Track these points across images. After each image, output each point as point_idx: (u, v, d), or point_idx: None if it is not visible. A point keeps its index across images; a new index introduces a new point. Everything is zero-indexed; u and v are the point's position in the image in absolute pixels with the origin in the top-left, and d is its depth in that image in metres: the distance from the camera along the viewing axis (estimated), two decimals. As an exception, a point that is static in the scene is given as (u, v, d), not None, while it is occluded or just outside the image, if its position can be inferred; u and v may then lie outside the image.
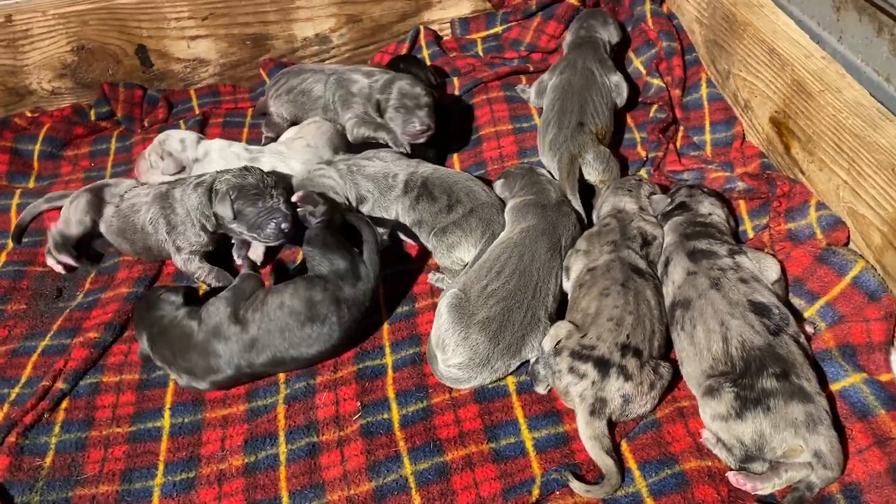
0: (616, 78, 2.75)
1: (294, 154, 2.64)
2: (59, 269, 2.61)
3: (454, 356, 2.02)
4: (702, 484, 1.74)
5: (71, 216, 2.54)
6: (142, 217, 2.48)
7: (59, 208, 2.66)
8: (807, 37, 2.33)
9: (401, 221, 2.46)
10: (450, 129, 2.90)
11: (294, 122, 2.98)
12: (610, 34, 2.89)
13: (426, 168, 2.47)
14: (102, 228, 2.57)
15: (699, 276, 1.97)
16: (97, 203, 2.54)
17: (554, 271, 2.15)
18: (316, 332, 2.09)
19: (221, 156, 2.64)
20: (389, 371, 2.14)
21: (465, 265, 2.29)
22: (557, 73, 2.76)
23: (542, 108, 2.79)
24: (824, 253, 2.00)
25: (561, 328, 1.97)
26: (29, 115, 3.30)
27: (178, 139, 2.68)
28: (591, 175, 2.52)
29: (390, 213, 2.47)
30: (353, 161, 2.52)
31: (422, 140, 2.66)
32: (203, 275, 2.47)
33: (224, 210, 2.31)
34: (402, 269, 2.48)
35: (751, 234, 2.30)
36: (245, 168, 2.37)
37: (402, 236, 2.53)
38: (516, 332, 2.03)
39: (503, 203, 2.40)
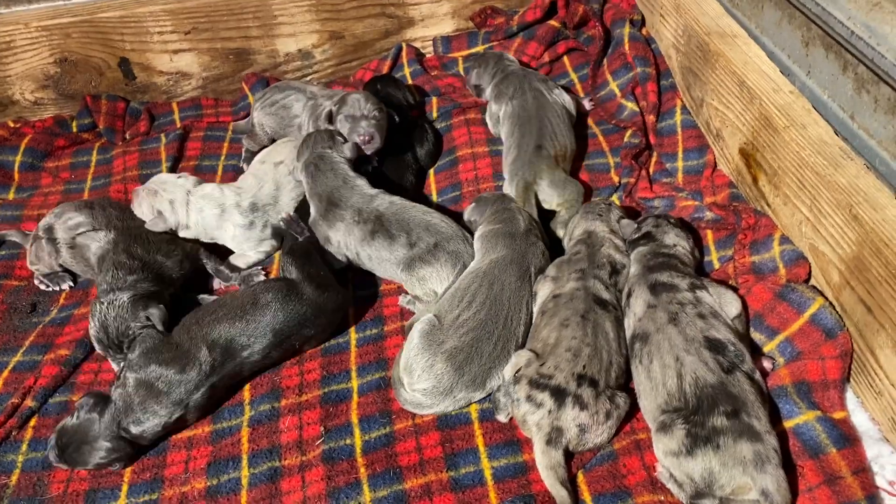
0: (563, 94, 2.84)
1: (282, 196, 2.67)
2: (39, 284, 2.64)
3: (419, 381, 2.05)
4: (653, 519, 1.77)
5: (42, 262, 2.58)
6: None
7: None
8: (776, 70, 2.35)
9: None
10: (427, 149, 2.92)
11: (274, 138, 3.01)
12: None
13: (380, 201, 2.45)
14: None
15: (658, 309, 1.99)
16: (53, 248, 2.55)
17: (524, 300, 2.17)
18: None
19: (219, 227, 2.60)
20: (354, 395, 2.16)
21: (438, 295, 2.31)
22: (507, 101, 2.80)
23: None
24: (784, 290, 2.03)
25: (521, 356, 2.00)
26: (11, 125, 3.32)
27: (168, 200, 2.54)
28: (549, 201, 2.53)
29: (334, 233, 2.46)
30: (316, 160, 2.54)
31: (369, 151, 2.67)
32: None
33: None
34: (373, 292, 2.50)
35: (716, 265, 2.33)
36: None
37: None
38: (483, 364, 2.05)
39: (469, 231, 2.41)
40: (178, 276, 2.45)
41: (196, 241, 2.59)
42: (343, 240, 2.45)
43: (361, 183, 2.51)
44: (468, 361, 2.04)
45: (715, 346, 1.87)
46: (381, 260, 2.41)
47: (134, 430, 2.03)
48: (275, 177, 2.69)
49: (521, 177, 2.54)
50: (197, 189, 2.60)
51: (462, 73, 3.34)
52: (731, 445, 1.69)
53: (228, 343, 2.13)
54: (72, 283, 2.64)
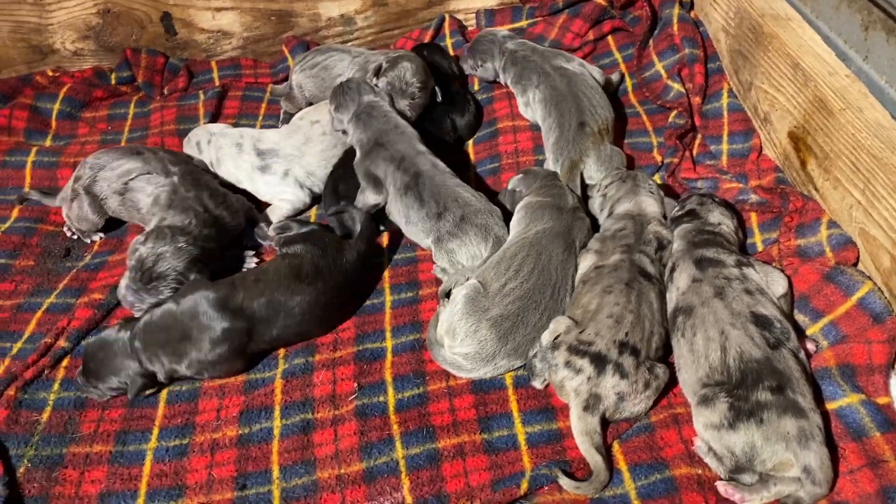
0: (586, 64, 2.83)
1: (309, 150, 2.66)
2: (69, 234, 2.63)
3: (462, 346, 2.03)
4: (690, 491, 1.74)
5: (81, 219, 2.56)
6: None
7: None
8: (832, 54, 2.31)
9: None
10: (467, 120, 2.89)
11: (311, 101, 2.99)
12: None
13: (423, 161, 2.43)
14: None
15: (704, 283, 1.97)
16: (96, 203, 2.53)
17: (569, 273, 2.15)
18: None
19: (234, 163, 2.65)
20: (388, 355, 2.15)
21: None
22: (533, 89, 2.76)
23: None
24: (832, 271, 2.00)
25: (560, 323, 1.98)
26: (50, 73, 3.33)
27: (194, 143, 2.73)
28: (595, 177, 2.51)
29: (377, 167, 2.44)
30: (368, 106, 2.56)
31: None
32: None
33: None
34: (409, 256, 2.48)
35: (760, 248, 2.30)
36: None
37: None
38: (528, 333, 2.03)
39: (501, 206, 2.39)
40: (234, 234, 2.46)
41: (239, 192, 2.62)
42: (388, 181, 2.43)
43: (412, 133, 2.50)
44: (513, 330, 2.02)
45: (761, 321, 1.84)
46: (409, 220, 2.38)
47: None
48: (308, 132, 2.68)
49: (567, 156, 2.51)
50: (220, 129, 2.72)
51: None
52: (775, 420, 1.67)
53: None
54: (102, 235, 2.63)
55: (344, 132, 2.59)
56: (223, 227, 2.42)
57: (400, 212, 2.41)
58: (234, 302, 2.07)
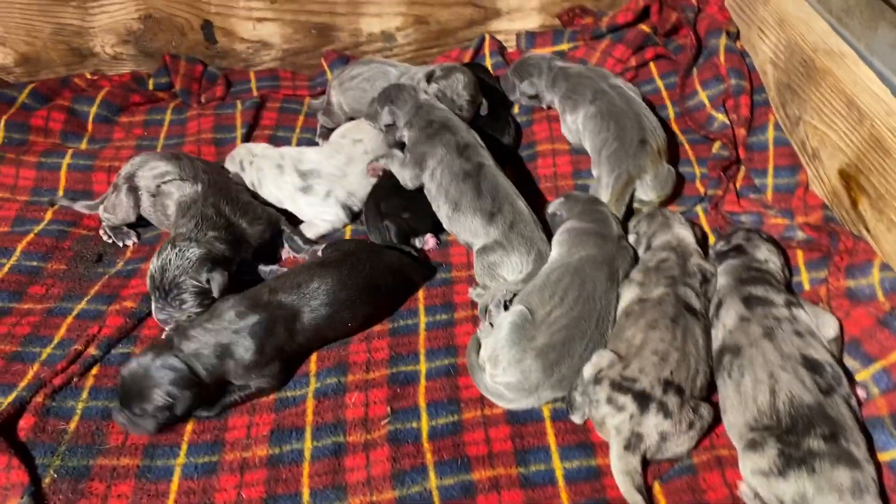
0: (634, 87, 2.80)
1: (352, 170, 2.64)
2: (105, 237, 2.61)
3: (504, 375, 1.98)
4: (735, 538, 1.68)
5: (116, 206, 2.55)
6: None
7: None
8: (888, 92, 2.25)
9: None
10: (507, 141, 2.86)
11: (351, 116, 2.97)
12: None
13: (487, 157, 2.42)
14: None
15: (752, 323, 1.91)
16: (134, 197, 2.53)
17: (612, 303, 2.10)
18: None
19: (276, 184, 2.63)
20: (422, 379, 2.10)
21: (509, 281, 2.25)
22: (586, 105, 2.71)
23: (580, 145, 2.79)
24: (887, 317, 1.93)
25: (603, 357, 1.93)
26: (89, 76, 3.33)
27: (237, 161, 2.70)
28: (645, 197, 2.48)
29: (432, 156, 2.42)
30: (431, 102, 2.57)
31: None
32: None
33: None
34: (445, 278, 2.44)
35: (806, 287, 2.24)
36: None
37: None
38: (573, 365, 1.98)
39: (545, 225, 2.35)
40: (255, 243, 2.43)
41: (276, 209, 2.59)
42: (436, 166, 2.40)
43: (475, 133, 2.49)
44: (559, 361, 1.97)
45: (813, 365, 1.79)
46: (459, 208, 2.35)
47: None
48: (350, 151, 2.65)
49: (625, 169, 2.46)
50: (260, 151, 2.69)
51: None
52: (828, 470, 1.61)
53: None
54: (136, 240, 2.61)
55: (388, 129, 2.56)
56: (238, 232, 2.37)
57: (449, 197, 2.37)
58: (262, 299, 2.07)
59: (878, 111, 2.18)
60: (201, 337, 1.99)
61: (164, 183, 2.46)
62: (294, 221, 2.62)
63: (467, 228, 2.36)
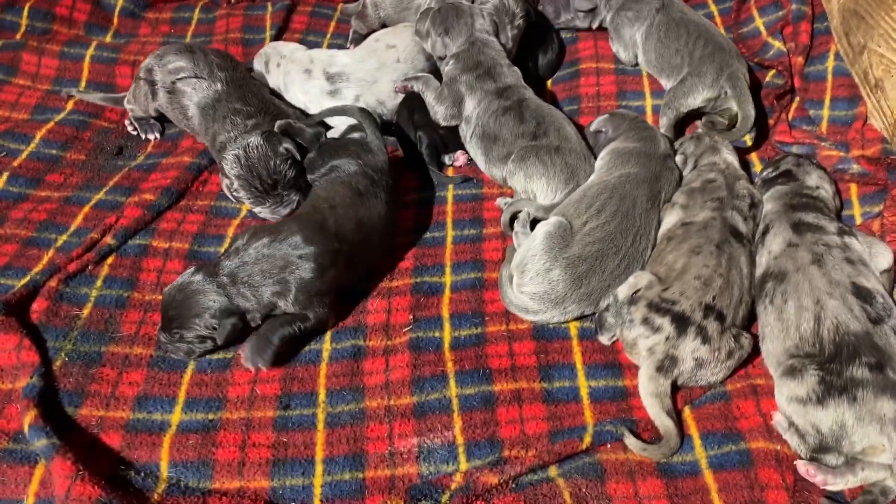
0: None
1: (383, 77, 2.50)
2: (131, 130, 2.54)
3: (531, 284, 1.90)
4: (767, 466, 1.61)
5: (136, 98, 2.48)
6: None
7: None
8: (966, 17, 2.09)
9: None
10: (549, 59, 2.72)
11: (385, 22, 2.83)
12: None
13: (529, 93, 2.31)
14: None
15: (801, 248, 1.80)
16: (151, 90, 2.43)
17: (653, 223, 2.00)
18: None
19: (302, 89, 2.51)
20: (447, 290, 2.02)
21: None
22: (653, 13, 2.57)
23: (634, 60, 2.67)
24: (945, 251, 1.82)
25: (641, 277, 1.83)
26: (117, -32, 3.19)
27: (263, 62, 2.59)
28: (730, 108, 2.37)
29: (471, 98, 2.32)
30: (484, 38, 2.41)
31: None
32: None
33: None
34: (475, 193, 2.34)
35: (858, 221, 2.12)
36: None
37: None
38: (603, 280, 1.89)
39: (591, 151, 2.23)
40: (293, 118, 2.34)
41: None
42: (474, 106, 2.30)
43: (518, 72, 2.37)
44: (589, 273, 1.88)
45: (863, 293, 1.68)
46: (497, 140, 2.24)
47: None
48: (382, 57, 2.52)
49: (739, 70, 2.37)
50: (289, 52, 2.56)
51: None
52: (871, 400, 1.53)
53: None
54: (159, 135, 2.54)
55: (440, 58, 2.44)
56: (276, 111, 2.34)
57: (489, 132, 2.26)
58: (328, 227, 1.92)
59: (955, 36, 2.02)
60: (256, 265, 1.84)
61: (180, 80, 2.36)
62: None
63: (502, 161, 2.24)
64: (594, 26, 2.77)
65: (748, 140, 2.40)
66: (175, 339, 1.82)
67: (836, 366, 1.58)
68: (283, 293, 1.83)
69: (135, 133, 2.54)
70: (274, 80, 2.57)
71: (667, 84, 2.52)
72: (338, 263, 1.89)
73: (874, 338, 1.60)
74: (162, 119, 2.54)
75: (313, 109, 2.50)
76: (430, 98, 2.36)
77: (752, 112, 2.30)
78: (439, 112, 2.35)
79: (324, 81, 2.48)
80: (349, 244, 1.92)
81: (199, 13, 3.05)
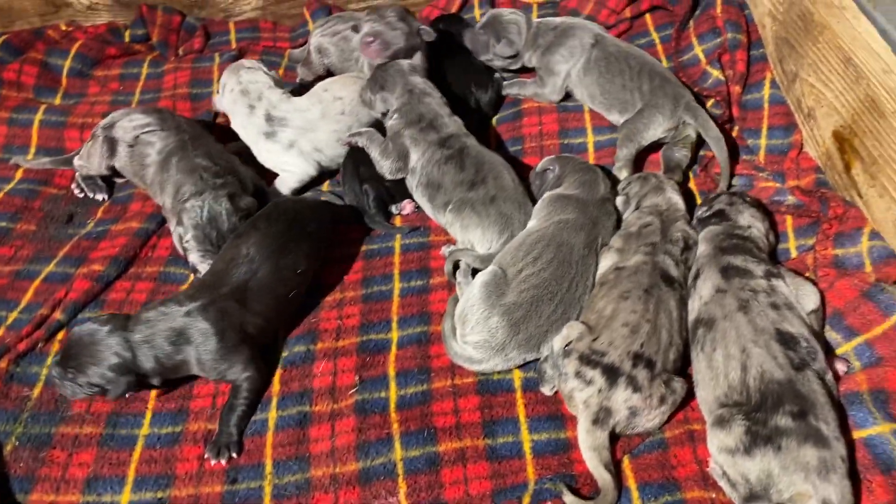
0: None
1: (323, 126, 2.53)
2: (78, 192, 2.57)
3: (472, 333, 1.94)
4: (702, 517, 1.64)
5: (90, 155, 2.49)
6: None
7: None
8: (889, 49, 2.13)
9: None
10: (490, 97, 2.75)
11: (330, 70, 2.87)
12: None
13: (471, 140, 2.35)
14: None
15: (728, 295, 1.84)
16: (110, 147, 2.46)
17: (590, 269, 2.04)
18: None
19: (241, 122, 2.54)
20: (393, 347, 2.05)
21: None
22: (588, 49, 2.61)
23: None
24: (872, 289, 1.86)
25: (573, 329, 1.87)
26: (63, 28, 3.23)
27: (222, 83, 2.60)
28: (690, 134, 2.43)
29: (415, 151, 2.34)
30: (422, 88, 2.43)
31: (371, 57, 2.52)
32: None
33: None
34: (422, 242, 2.37)
35: (794, 254, 2.16)
36: None
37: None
38: (541, 325, 1.93)
39: (529, 197, 2.27)
40: (251, 189, 2.38)
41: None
42: (418, 157, 2.33)
43: (459, 121, 2.41)
44: (525, 319, 1.92)
45: (786, 339, 1.72)
46: (440, 188, 2.27)
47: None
48: (327, 107, 2.55)
49: (678, 94, 2.44)
50: (245, 82, 2.56)
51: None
52: (795, 448, 1.56)
53: None
54: (106, 196, 2.57)
55: (383, 115, 2.46)
56: (237, 173, 2.39)
57: (433, 180, 2.29)
58: (206, 283, 2.00)
59: (876, 69, 2.07)
60: (156, 321, 1.89)
61: (144, 133, 2.40)
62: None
63: (442, 209, 2.28)
64: (515, 67, 2.79)
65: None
66: (67, 377, 1.85)
67: (761, 415, 1.61)
68: (183, 355, 1.89)
69: (81, 195, 2.56)
70: (225, 104, 2.59)
71: (618, 119, 2.55)
72: (228, 311, 1.93)
73: (797, 385, 1.64)
74: (110, 181, 2.57)
75: (250, 146, 2.55)
76: (375, 153, 2.38)
77: (718, 132, 2.36)
78: (385, 166, 2.37)
79: (263, 121, 2.51)
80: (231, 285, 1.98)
81: (147, 68, 3.07)
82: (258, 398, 1.95)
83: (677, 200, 2.17)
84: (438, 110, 2.39)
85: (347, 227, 2.39)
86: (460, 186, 2.24)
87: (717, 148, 2.36)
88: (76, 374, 1.83)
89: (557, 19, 2.75)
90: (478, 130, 2.66)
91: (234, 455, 1.83)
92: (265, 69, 2.61)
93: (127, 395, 1.92)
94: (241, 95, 2.54)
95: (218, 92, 2.63)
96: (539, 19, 2.77)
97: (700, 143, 2.46)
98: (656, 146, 2.49)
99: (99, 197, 2.55)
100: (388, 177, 2.39)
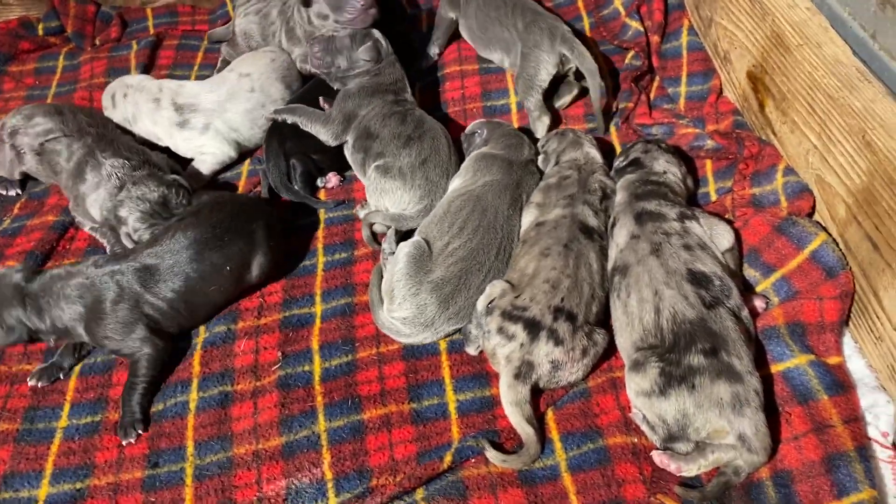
0: None
1: (233, 107, 2.49)
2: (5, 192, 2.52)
3: (400, 309, 1.91)
4: (624, 461, 1.64)
5: (2, 167, 2.45)
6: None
7: None
8: (793, -17, 2.12)
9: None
10: (414, 67, 2.72)
11: (255, 48, 2.81)
12: None
13: (419, 109, 2.35)
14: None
15: (641, 240, 1.83)
16: (16, 154, 2.41)
17: (515, 229, 2.03)
18: None
19: (151, 119, 2.49)
20: (317, 321, 2.03)
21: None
22: None
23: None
24: (784, 223, 1.86)
25: (496, 287, 1.85)
26: (-26, 25, 3.13)
27: (110, 96, 2.55)
28: (572, 64, 2.43)
29: (364, 108, 2.33)
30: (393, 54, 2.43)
31: (366, 23, 2.47)
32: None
33: None
34: (346, 214, 2.33)
35: (713, 197, 2.15)
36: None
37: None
38: (470, 297, 1.91)
39: (458, 165, 2.25)
40: (169, 172, 2.31)
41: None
42: (365, 113, 2.31)
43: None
44: (455, 294, 1.91)
45: (698, 279, 1.71)
46: (377, 139, 2.25)
47: None
48: (232, 87, 2.50)
49: (566, 30, 2.42)
50: (136, 83, 2.54)
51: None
52: (708, 386, 1.56)
53: None
54: (20, 191, 2.52)
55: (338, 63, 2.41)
56: (151, 161, 2.31)
57: (372, 131, 2.27)
58: (119, 256, 1.98)
59: (780, 4, 2.06)
60: (57, 278, 1.91)
61: (49, 141, 2.33)
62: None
63: (368, 166, 2.25)
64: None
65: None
66: None
67: (675, 355, 1.61)
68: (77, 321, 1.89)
69: (4, 193, 2.50)
70: (120, 114, 2.54)
71: (500, 59, 2.57)
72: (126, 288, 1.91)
73: (708, 323, 1.63)
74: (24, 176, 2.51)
75: (165, 140, 2.51)
76: (316, 125, 2.35)
77: (594, 65, 2.34)
78: (329, 132, 2.34)
79: (172, 112, 2.47)
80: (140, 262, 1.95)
81: (63, 60, 3.01)
82: (158, 374, 1.93)
83: (595, 154, 2.16)
84: (406, 82, 2.39)
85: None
86: (396, 140, 2.22)
87: (590, 80, 2.35)
88: None
89: None
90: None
91: (140, 432, 1.81)
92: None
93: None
94: (140, 93, 2.49)
95: (106, 108, 2.58)
96: None
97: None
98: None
99: (11, 193, 2.50)
100: (332, 143, 2.35)
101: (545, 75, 2.41)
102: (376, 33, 2.41)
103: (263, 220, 2.08)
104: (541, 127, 2.41)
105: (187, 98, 2.46)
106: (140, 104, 2.48)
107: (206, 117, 2.45)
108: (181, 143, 2.48)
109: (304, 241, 2.26)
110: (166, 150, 2.49)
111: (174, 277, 1.94)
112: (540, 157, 2.22)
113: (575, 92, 2.50)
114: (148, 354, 1.89)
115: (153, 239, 2.00)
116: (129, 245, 2.15)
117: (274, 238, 2.09)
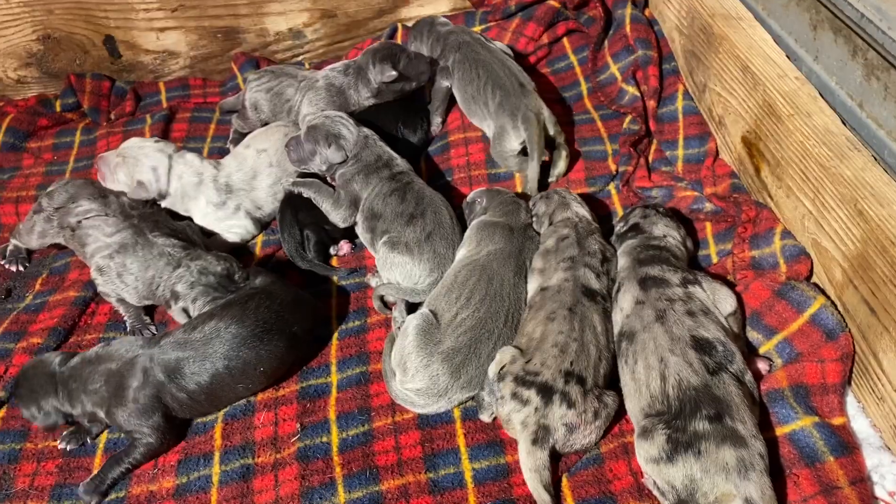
0: (495, 42, 2.89)
1: (259, 184, 2.59)
2: (13, 268, 2.57)
3: (413, 381, 1.96)
4: (638, 528, 1.68)
5: (27, 231, 2.52)
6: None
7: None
8: (783, 55, 2.23)
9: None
10: (419, 135, 2.81)
11: (265, 122, 2.92)
12: None
13: (418, 179, 2.42)
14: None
15: (646, 306, 1.89)
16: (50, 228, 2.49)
17: (522, 296, 2.09)
18: None
19: (188, 196, 2.56)
20: (333, 391, 2.08)
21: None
22: (454, 52, 2.76)
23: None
24: (783, 287, 1.92)
25: (506, 353, 1.91)
26: (-6, 104, 3.24)
27: (149, 167, 2.50)
28: (548, 130, 2.54)
29: (365, 190, 2.39)
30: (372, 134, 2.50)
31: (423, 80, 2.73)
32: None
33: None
34: (359, 282, 2.40)
35: (715, 259, 2.22)
36: None
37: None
38: (481, 364, 1.96)
39: (461, 233, 2.32)
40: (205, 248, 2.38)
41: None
42: (367, 193, 2.38)
43: (408, 163, 2.49)
44: (466, 363, 1.96)
45: (702, 345, 1.77)
46: (381, 218, 2.32)
47: None
48: (254, 164, 2.61)
49: (528, 108, 2.51)
50: (178, 155, 2.57)
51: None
52: (713, 451, 1.60)
53: None
54: (23, 268, 2.59)
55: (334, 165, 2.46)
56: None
57: (375, 211, 2.34)
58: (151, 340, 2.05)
59: (771, 75, 2.16)
60: (89, 366, 1.98)
61: (87, 219, 2.40)
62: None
63: (377, 242, 2.33)
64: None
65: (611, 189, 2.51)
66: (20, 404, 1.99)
67: (681, 422, 1.66)
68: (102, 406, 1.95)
69: (14, 270, 2.57)
70: (159, 184, 2.52)
71: (482, 125, 2.71)
72: (150, 378, 1.95)
73: (713, 389, 1.69)
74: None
75: (198, 218, 2.57)
76: (326, 205, 2.43)
77: (536, 143, 2.47)
78: (339, 216, 2.43)
79: (213, 191, 2.54)
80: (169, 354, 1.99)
81: (80, 135, 3.11)
82: (147, 462, 1.97)
83: (585, 213, 2.22)
84: (391, 152, 2.47)
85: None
86: (399, 218, 2.29)
87: (531, 152, 2.48)
88: (21, 406, 1.98)
89: (449, 27, 2.91)
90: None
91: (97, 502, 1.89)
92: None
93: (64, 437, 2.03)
94: (185, 166, 2.54)
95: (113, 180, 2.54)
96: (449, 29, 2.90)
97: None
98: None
99: (20, 268, 2.58)
100: (342, 225, 2.44)
101: (511, 149, 2.58)
102: (337, 128, 2.45)
103: (308, 323, 2.14)
104: (531, 181, 2.52)
105: (223, 178, 2.56)
106: (185, 177, 2.54)
107: (239, 197, 2.55)
108: (213, 222, 2.56)
109: (318, 309, 2.33)
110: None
111: (203, 373, 1.97)
112: (534, 221, 2.30)
113: (563, 153, 2.58)
114: (150, 444, 1.94)
115: (190, 324, 2.03)
116: (182, 320, 2.17)
117: (311, 338, 2.17)
